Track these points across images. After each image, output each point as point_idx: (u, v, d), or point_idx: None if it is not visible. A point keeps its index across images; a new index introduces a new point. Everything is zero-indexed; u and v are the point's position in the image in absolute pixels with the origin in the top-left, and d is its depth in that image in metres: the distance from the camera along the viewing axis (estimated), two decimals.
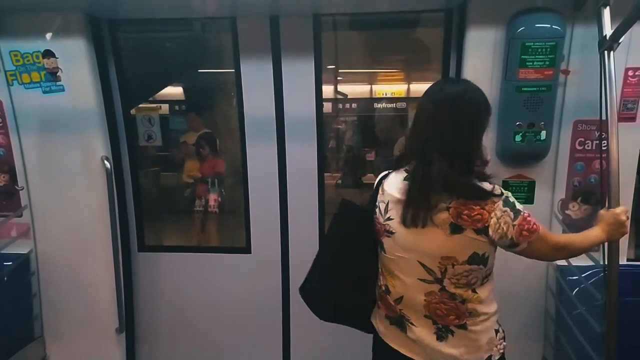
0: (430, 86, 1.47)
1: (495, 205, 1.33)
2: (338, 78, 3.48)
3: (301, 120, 2.56)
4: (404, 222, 1.40)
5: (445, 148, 1.35)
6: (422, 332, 1.46)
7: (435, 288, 1.42)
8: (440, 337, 1.44)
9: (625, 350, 1.83)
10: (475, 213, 1.32)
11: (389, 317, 1.56)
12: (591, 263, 2.07)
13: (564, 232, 2.22)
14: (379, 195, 1.54)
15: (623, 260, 2.12)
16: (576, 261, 2.13)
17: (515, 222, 1.34)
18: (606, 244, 1.70)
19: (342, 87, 3.57)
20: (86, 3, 2.35)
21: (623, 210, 1.57)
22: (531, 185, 2.29)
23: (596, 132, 2.18)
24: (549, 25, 2.04)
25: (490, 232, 1.33)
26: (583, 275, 2.13)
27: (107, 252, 2.62)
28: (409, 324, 1.49)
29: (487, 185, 1.35)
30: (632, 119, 2.15)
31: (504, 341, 1.51)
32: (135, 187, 2.80)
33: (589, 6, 1.97)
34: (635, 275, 2.16)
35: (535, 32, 2.04)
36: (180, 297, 2.87)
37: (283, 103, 2.55)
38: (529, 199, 2.30)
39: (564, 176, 2.27)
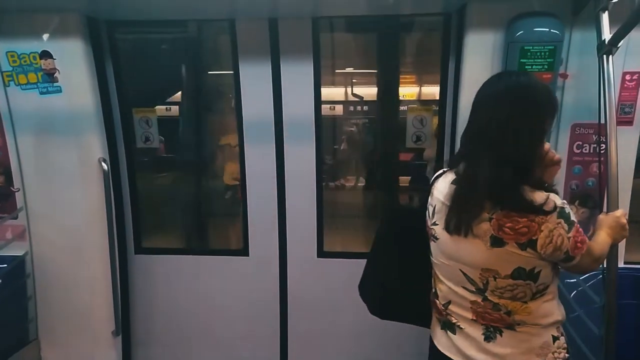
0: (489, 78, 1.34)
1: (548, 217, 1.20)
2: (353, 80, 3.47)
3: (300, 122, 2.56)
4: (447, 228, 1.31)
5: (495, 150, 1.22)
6: (471, 332, 1.37)
7: (478, 298, 1.33)
8: (488, 338, 1.35)
9: (622, 353, 1.83)
10: (521, 226, 1.20)
11: (439, 320, 1.51)
12: None
13: None
14: (429, 198, 1.46)
15: (620, 264, 2.13)
16: None
17: (570, 235, 1.23)
18: None
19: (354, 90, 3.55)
20: (84, 4, 2.34)
21: (623, 213, 1.57)
22: None
23: (594, 136, 2.20)
24: (547, 29, 2.04)
25: (539, 247, 1.21)
26: (581, 278, 2.14)
27: (103, 255, 2.60)
28: (458, 328, 1.41)
29: (539, 197, 1.21)
30: (630, 122, 2.16)
31: (567, 353, 1.37)
32: (132, 188, 2.78)
33: (587, 10, 1.98)
34: (632, 278, 2.17)
35: (534, 36, 2.05)
36: (177, 300, 2.86)
37: (282, 105, 2.55)
38: None
39: (561, 179, 2.28)
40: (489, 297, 1.31)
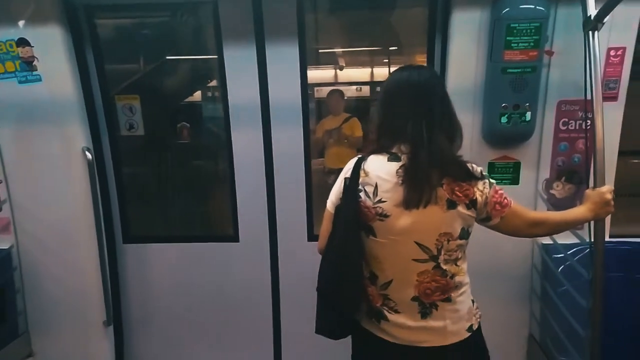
0: (397, 73, 1.50)
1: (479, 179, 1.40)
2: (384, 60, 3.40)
3: (287, 105, 2.52)
4: (407, 205, 1.36)
5: (443, 126, 1.40)
6: (406, 316, 1.46)
7: (429, 266, 1.42)
8: (424, 315, 1.45)
9: (609, 324, 1.88)
10: (464, 188, 1.37)
11: (370, 309, 1.52)
12: (576, 240, 2.11)
13: (548, 210, 2.27)
14: (360, 179, 1.43)
15: (606, 237, 2.17)
16: (561, 239, 2.18)
17: (489, 195, 1.41)
18: (592, 221, 1.73)
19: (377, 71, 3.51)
20: None
21: (609, 189, 1.60)
22: (516, 166, 2.32)
23: (579, 112, 2.21)
24: (533, 6, 2.05)
25: (478, 206, 1.39)
26: (568, 253, 2.18)
27: (91, 245, 2.57)
28: (392, 312, 1.47)
29: (468, 164, 1.41)
30: (614, 98, 2.18)
31: (479, 310, 1.56)
32: (118, 177, 2.73)
33: None
34: (618, 252, 2.21)
35: (520, 13, 2.05)
36: (167, 287, 2.84)
37: (268, 88, 2.51)
38: (514, 180, 2.33)
39: (548, 156, 2.30)
40: (441, 264, 1.42)
